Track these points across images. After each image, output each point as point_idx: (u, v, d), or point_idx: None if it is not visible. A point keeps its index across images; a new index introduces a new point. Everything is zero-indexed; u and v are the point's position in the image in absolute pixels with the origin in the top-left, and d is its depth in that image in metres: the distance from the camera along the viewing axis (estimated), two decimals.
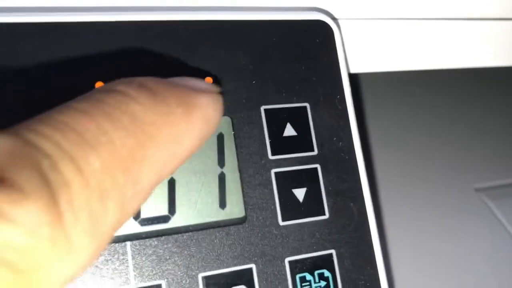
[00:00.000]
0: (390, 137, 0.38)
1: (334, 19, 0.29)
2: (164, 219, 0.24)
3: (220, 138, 0.26)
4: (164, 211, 0.24)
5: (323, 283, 0.26)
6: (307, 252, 0.26)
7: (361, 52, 0.30)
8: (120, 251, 0.23)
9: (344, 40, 0.29)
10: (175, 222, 0.24)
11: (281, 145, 0.27)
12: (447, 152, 0.43)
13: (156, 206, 0.24)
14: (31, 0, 0.24)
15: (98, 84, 0.24)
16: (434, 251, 0.38)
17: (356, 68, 0.30)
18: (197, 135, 0.18)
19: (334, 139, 0.28)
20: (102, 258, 0.23)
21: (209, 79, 0.26)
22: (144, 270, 0.23)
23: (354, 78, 0.34)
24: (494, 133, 0.48)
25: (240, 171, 0.25)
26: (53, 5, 0.24)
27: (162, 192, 0.24)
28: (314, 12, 0.28)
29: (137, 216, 0.24)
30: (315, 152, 0.27)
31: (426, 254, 0.36)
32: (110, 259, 0.23)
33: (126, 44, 0.25)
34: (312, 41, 0.28)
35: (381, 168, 0.36)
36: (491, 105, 0.49)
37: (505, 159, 0.47)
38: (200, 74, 0.26)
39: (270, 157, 0.26)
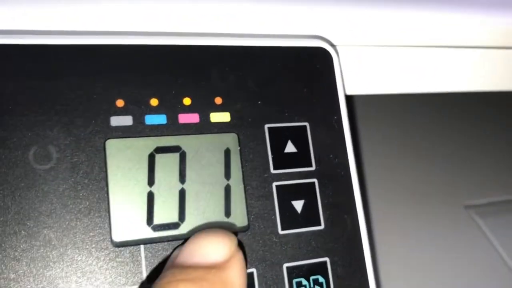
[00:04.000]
0: (382, 155, 0.40)
1: (333, 45, 0.32)
2: (174, 225, 0.26)
3: (227, 153, 0.28)
4: (174, 218, 0.27)
5: None
6: (303, 259, 0.28)
7: (357, 76, 0.33)
8: (135, 253, 0.25)
9: (342, 65, 0.32)
10: (185, 228, 0.27)
11: (282, 160, 0.29)
12: (438, 169, 0.46)
13: (168, 213, 0.27)
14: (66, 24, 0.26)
15: (119, 102, 0.26)
16: (421, 262, 0.40)
17: (352, 90, 0.33)
18: None
19: (331, 156, 0.30)
20: (118, 260, 0.25)
21: (218, 99, 0.28)
22: (156, 272, 0.25)
23: (350, 100, 0.37)
24: (484, 152, 0.50)
25: (244, 183, 0.28)
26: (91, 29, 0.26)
27: (173, 201, 0.27)
28: (315, 39, 0.31)
29: (150, 222, 0.26)
30: (313, 168, 0.30)
31: (414, 265, 0.38)
32: (125, 261, 0.25)
33: (143, 65, 0.27)
34: (313, 66, 0.31)
35: (373, 183, 0.38)
36: (481, 125, 0.51)
37: (495, 177, 0.49)
38: (210, 94, 0.28)
39: (272, 171, 0.29)
